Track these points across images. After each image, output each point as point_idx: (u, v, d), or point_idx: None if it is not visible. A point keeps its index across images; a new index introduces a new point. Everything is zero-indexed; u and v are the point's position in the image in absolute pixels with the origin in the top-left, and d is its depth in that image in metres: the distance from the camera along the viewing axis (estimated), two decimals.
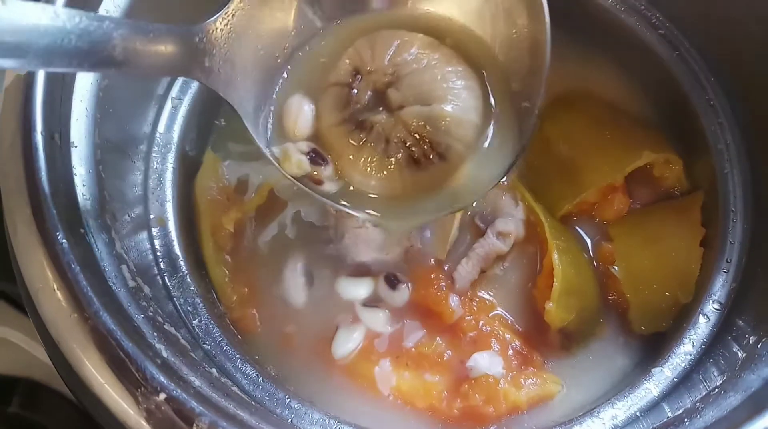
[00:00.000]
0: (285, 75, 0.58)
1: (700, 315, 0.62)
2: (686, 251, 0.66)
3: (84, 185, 0.53)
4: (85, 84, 0.55)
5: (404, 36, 0.57)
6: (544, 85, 0.56)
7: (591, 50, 0.77)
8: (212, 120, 0.73)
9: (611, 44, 0.76)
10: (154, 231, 0.63)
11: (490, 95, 0.58)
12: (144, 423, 0.42)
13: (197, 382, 0.45)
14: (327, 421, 0.56)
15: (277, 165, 0.55)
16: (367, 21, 0.60)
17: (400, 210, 0.58)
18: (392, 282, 0.66)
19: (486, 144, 0.57)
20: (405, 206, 0.57)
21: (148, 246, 0.61)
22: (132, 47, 0.44)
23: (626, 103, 0.76)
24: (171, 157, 0.67)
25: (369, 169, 0.56)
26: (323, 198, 0.56)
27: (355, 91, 0.56)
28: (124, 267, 0.51)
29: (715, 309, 0.62)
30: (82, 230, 0.50)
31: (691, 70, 0.70)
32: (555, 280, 0.63)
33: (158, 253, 0.62)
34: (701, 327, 0.61)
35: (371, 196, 0.57)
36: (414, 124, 0.55)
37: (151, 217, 0.63)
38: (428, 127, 0.55)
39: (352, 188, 0.57)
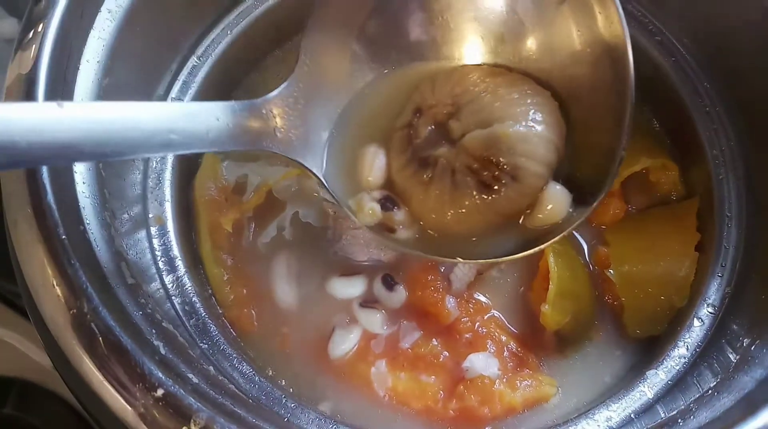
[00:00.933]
0: (346, 127, 0.58)
1: (695, 318, 0.62)
2: (681, 256, 0.67)
3: (84, 183, 0.53)
4: (86, 83, 0.55)
5: (465, 68, 0.56)
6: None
7: None
8: None
9: None
10: (153, 230, 0.63)
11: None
12: (142, 420, 0.42)
13: (195, 379, 0.46)
14: (323, 421, 0.56)
15: (354, 218, 0.55)
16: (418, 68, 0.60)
17: (486, 249, 0.56)
18: (389, 283, 0.66)
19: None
20: (491, 245, 0.56)
21: (147, 244, 0.61)
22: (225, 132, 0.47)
23: None
24: (170, 157, 0.67)
25: (442, 205, 0.55)
26: (405, 248, 0.55)
27: (414, 128, 0.55)
28: (123, 264, 0.52)
29: (710, 312, 0.62)
30: (81, 227, 0.50)
31: (687, 77, 0.71)
32: (551, 282, 0.63)
33: (156, 252, 0.62)
34: (695, 330, 0.62)
35: (456, 237, 0.56)
36: (476, 148, 0.53)
37: (150, 216, 0.64)
38: (492, 149, 0.53)
39: (431, 232, 0.56)
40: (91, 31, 0.57)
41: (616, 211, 0.71)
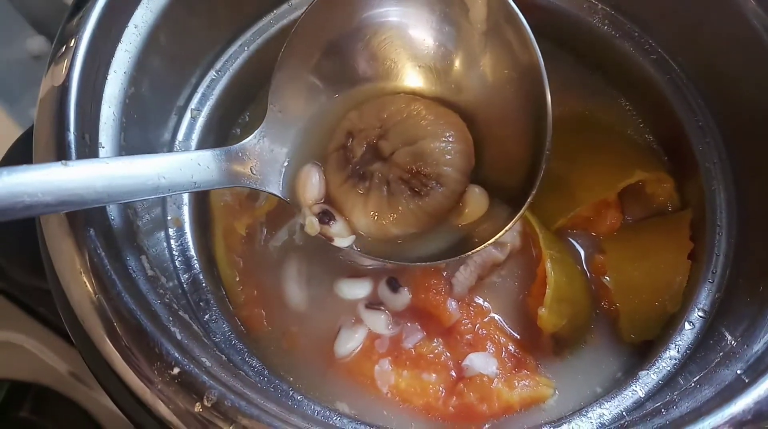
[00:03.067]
0: (298, 151, 0.66)
1: (686, 322, 0.64)
2: (675, 264, 0.69)
3: None
4: (113, 91, 0.59)
5: (386, 98, 0.66)
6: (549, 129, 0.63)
7: (588, 74, 0.82)
8: (228, 130, 0.78)
9: (607, 68, 0.80)
10: (171, 231, 0.67)
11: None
12: (158, 396, 0.46)
13: (208, 363, 0.49)
14: (327, 413, 0.58)
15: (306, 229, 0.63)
16: (360, 94, 0.68)
17: (428, 252, 0.65)
18: (394, 286, 0.69)
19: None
20: (426, 247, 0.65)
21: (165, 244, 0.65)
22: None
23: (620, 124, 0.79)
24: None
25: (380, 211, 0.64)
26: (353, 251, 0.64)
27: (350, 149, 0.64)
28: (143, 257, 0.55)
29: (700, 317, 0.64)
30: (107, 223, 0.54)
31: (681, 92, 0.73)
32: (548, 287, 0.65)
33: (174, 252, 0.66)
34: (686, 334, 0.64)
35: (394, 241, 0.65)
36: (406, 162, 0.63)
37: (169, 218, 0.67)
38: (418, 161, 0.63)
39: (370, 239, 0.65)
40: (119, 44, 0.61)
41: (612, 221, 0.73)
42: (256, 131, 0.63)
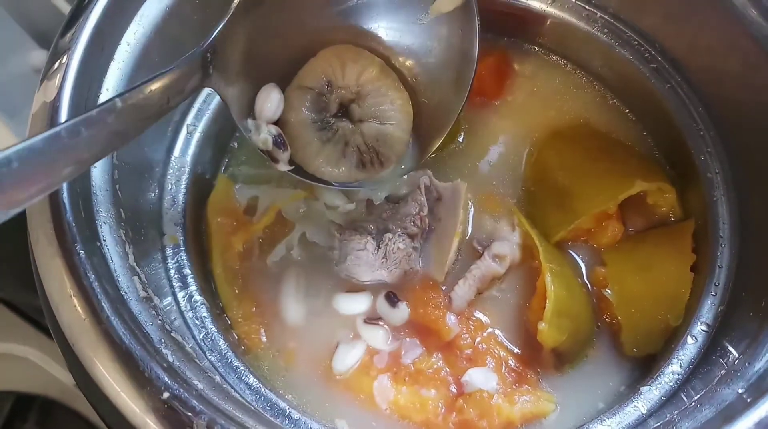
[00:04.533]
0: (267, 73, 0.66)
1: (689, 336, 0.63)
2: (677, 277, 0.68)
3: (101, 203, 0.57)
4: None
5: (366, 59, 0.68)
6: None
7: (588, 84, 0.81)
8: (225, 145, 0.77)
9: (607, 78, 0.80)
10: (167, 249, 0.67)
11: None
12: (149, 420, 0.45)
13: (200, 386, 0.49)
14: None
15: (245, 133, 0.64)
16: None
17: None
18: (392, 300, 0.68)
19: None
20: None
21: (161, 262, 0.65)
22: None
23: (621, 134, 0.79)
24: (185, 180, 0.71)
25: (327, 161, 0.67)
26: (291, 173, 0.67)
27: (327, 99, 0.67)
28: (135, 278, 0.55)
29: (703, 330, 0.64)
30: (98, 243, 0.54)
31: (681, 102, 0.73)
32: (548, 300, 0.65)
33: (170, 270, 0.66)
34: (689, 348, 0.63)
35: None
36: (371, 136, 0.67)
37: (165, 235, 0.67)
38: (378, 141, 0.67)
39: (306, 171, 0.68)
40: (112, 62, 0.61)
41: (614, 233, 0.72)
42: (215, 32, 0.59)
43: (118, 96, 0.47)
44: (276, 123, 0.66)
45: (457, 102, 0.67)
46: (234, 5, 0.59)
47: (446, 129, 0.68)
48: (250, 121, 0.65)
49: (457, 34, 0.66)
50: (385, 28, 0.69)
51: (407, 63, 0.69)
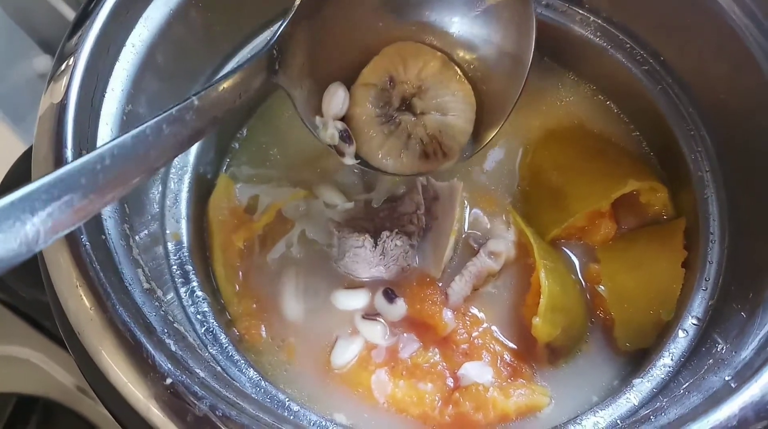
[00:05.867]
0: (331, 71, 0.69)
1: (680, 330, 0.65)
2: (669, 273, 0.69)
3: None
4: (111, 108, 0.61)
5: (427, 54, 0.70)
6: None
7: (581, 85, 0.83)
8: (227, 144, 0.79)
9: (600, 79, 0.81)
10: (169, 245, 0.68)
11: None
12: (152, 406, 0.47)
13: (202, 374, 0.50)
14: (324, 423, 0.59)
15: (313, 131, 0.67)
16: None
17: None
18: (390, 296, 0.70)
19: None
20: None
21: (163, 257, 0.66)
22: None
23: (614, 135, 0.80)
24: (187, 178, 0.72)
25: (391, 152, 0.69)
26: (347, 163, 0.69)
27: (390, 94, 0.70)
28: (139, 271, 0.56)
29: (694, 324, 0.65)
30: (103, 237, 0.55)
31: (673, 103, 0.74)
32: (541, 296, 0.66)
33: (172, 266, 0.67)
34: (680, 341, 0.64)
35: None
36: (434, 127, 0.69)
37: (167, 232, 0.68)
38: (441, 132, 0.69)
39: (370, 164, 0.70)
40: (117, 63, 0.63)
41: (606, 231, 0.74)
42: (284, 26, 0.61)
43: (195, 94, 0.50)
44: (341, 119, 0.69)
45: (515, 90, 0.67)
46: (295, 6, 0.61)
47: (504, 117, 0.68)
48: (318, 119, 0.67)
49: (514, 19, 0.67)
50: (444, 21, 0.70)
51: (466, 56, 0.71)
